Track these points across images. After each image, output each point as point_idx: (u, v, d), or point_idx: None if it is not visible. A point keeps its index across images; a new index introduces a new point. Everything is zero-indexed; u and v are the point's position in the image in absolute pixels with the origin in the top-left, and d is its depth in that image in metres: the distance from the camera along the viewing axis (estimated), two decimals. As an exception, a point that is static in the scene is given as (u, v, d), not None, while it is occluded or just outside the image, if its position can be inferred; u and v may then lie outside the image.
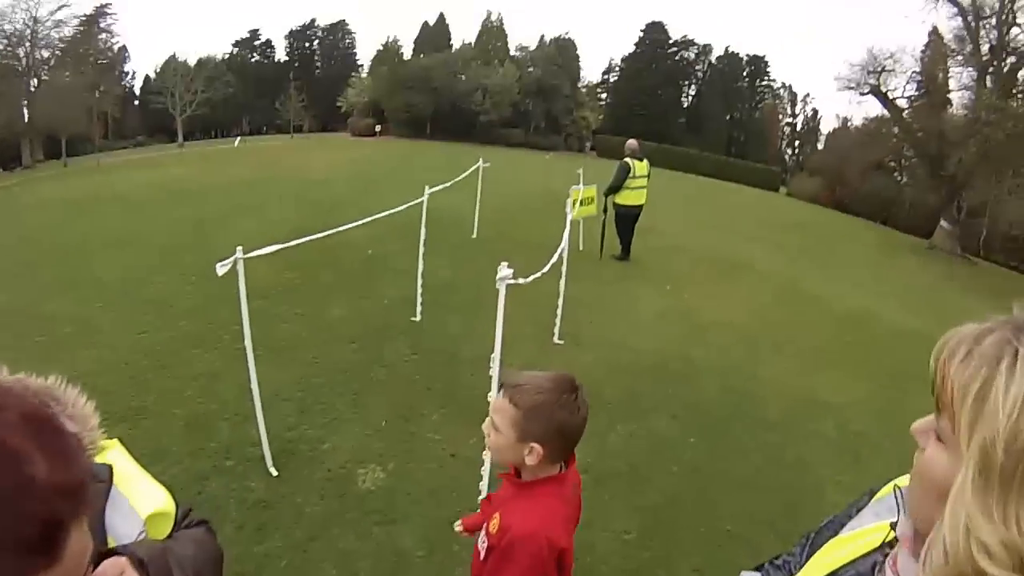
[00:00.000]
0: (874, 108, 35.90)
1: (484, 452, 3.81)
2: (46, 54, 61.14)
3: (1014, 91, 27.90)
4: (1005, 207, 31.26)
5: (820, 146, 75.36)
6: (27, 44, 58.31)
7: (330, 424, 5.28)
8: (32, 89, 58.44)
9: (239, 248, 3.98)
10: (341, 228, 5.90)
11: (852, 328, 10.48)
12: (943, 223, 29.97)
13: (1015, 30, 27.38)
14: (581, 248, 12.24)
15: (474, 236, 12.57)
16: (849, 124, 52.41)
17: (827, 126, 76.36)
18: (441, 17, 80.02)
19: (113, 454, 1.30)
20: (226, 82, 68.74)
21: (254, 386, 4.50)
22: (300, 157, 34.79)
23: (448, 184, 9.62)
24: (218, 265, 3.87)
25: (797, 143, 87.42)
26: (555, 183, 23.65)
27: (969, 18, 28.46)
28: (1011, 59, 27.77)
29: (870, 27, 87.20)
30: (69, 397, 1.26)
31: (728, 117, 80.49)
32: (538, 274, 4.52)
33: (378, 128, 63.52)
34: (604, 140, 46.65)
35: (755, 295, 11.38)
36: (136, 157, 48.04)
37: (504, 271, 3.35)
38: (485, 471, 3.84)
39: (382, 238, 10.71)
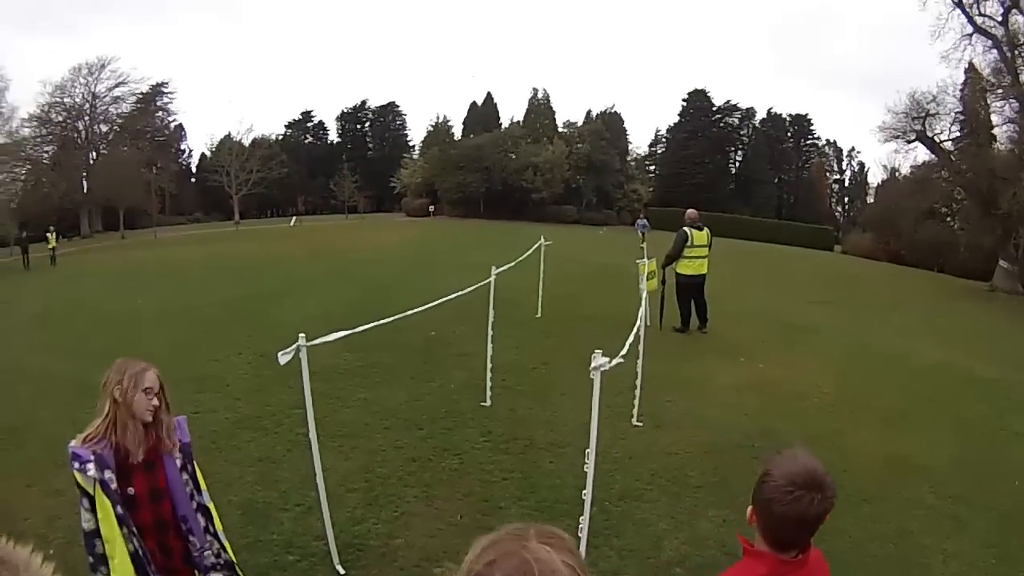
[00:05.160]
0: (920, 155, 35.20)
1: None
2: (104, 128, 65.44)
3: None
4: (1064, 238, 30.29)
5: (870, 199, 74.48)
6: (86, 118, 62.03)
7: (400, 518, 5.00)
8: (91, 162, 61.87)
9: (302, 336, 3.83)
10: (408, 312, 5.75)
11: (928, 384, 10.02)
12: (1002, 263, 29.39)
13: None
14: (648, 324, 11.95)
15: (538, 316, 12.37)
16: (897, 174, 51.58)
17: (875, 178, 75.49)
18: (489, 96, 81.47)
19: None
20: (280, 162, 70.54)
21: (319, 476, 4.30)
22: (355, 237, 35.44)
23: (513, 264, 9.50)
24: (280, 354, 3.73)
25: (847, 199, 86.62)
26: (611, 258, 23.57)
27: (1005, 48, 28.15)
28: None
29: (908, 73, 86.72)
30: (20, 560, 1.04)
31: (776, 179, 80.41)
32: (621, 357, 4.22)
33: (431, 208, 64.61)
34: (655, 212, 46.52)
35: (827, 359, 10.95)
36: (192, 233, 49.85)
37: (599, 359, 3.10)
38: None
39: (443, 319, 10.51)
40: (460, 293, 6.93)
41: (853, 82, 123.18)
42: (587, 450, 3.28)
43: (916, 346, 12.95)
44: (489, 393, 7.53)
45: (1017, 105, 28.59)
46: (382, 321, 5.09)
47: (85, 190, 60.18)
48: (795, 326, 13.58)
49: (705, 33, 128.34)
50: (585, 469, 3.29)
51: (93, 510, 2.56)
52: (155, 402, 2.79)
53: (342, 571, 4.27)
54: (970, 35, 29.15)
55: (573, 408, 7.48)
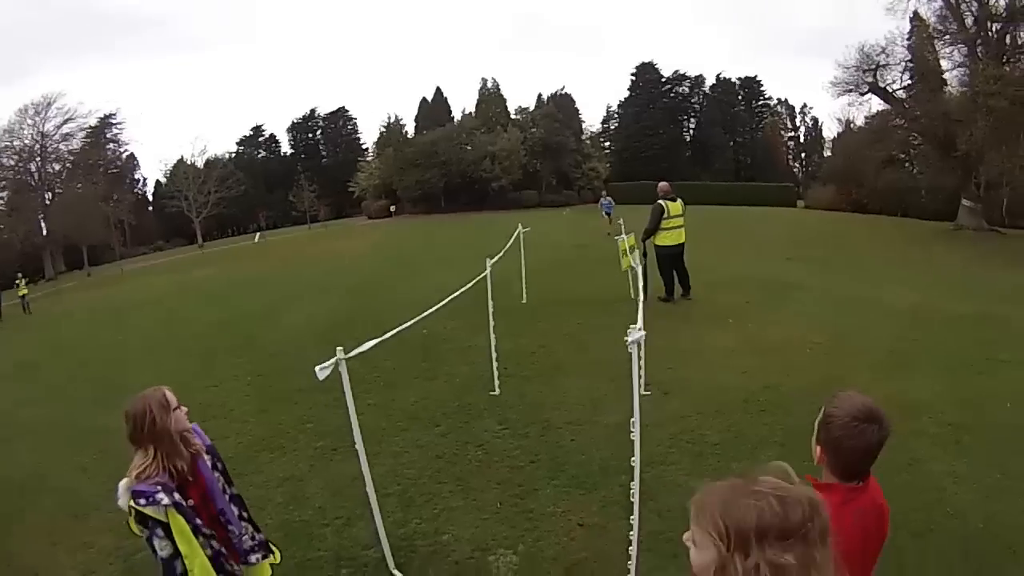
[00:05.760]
0: (875, 105, 35.76)
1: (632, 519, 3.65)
2: (57, 167, 63.79)
3: (1006, 58, 28.04)
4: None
5: (827, 153, 75.26)
6: (38, 159, 60.70)
7: (442, 514, 5.10)
8: (47, 202, 60.66)
9: (339, 349, 3.92)
10: (425, 314, 5.82)
11: (912, 325, 10.40)
12: (964, 201, 30.20)
13: None
14: (633, 296, 12.16)
15: (524, 301, 12.53)
16: (852, 126, 52.19)
17: (830, 132, 76.26)
18: (439, 91, 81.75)
19: None
20: (237, 180, 69.97)
21: (368, 484, 4.33)
22: (323, 246, 35.28)
23: (501, 253, 9.61)
24: (318, 369, 3.81)
25: (803, 155, 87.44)
26: (581, 238, 23.77)
27: None
28: (996, 25, 28.06)
29: (852, 28, 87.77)
30: None
31: (731, 143, 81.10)
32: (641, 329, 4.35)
33: (393, 208, 64.31)
34: (617, 188, 46.65)
35: (812, 313, 11.29)
36: (158, 262, 49.12)
37: (636, 333, 3.25)
38: (634, 536, 3.68)
39: (433, 315, 10.64)
40: (464, 288, 7.04)
41: (799, 40, 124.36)
42: (632, 419, 3.43)
43: (894, 291, 13.35)
44: (497, 382, 7.66)
45: (965, 49, 29.35)
46: (406, 324, 5.16)
47: (44, 232, 59.06)
48: (775, 285, 13.90)
49: (648, 5, 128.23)
50: (632, 438, 3.44)
51: (169, 536, 2.71)
52: (185, 409, 3.00)
53: (399, 575, 4.35)
54: (914, -15, 29.73)
55: (579, 387, 7.69)
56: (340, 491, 5.52)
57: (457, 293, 6.85)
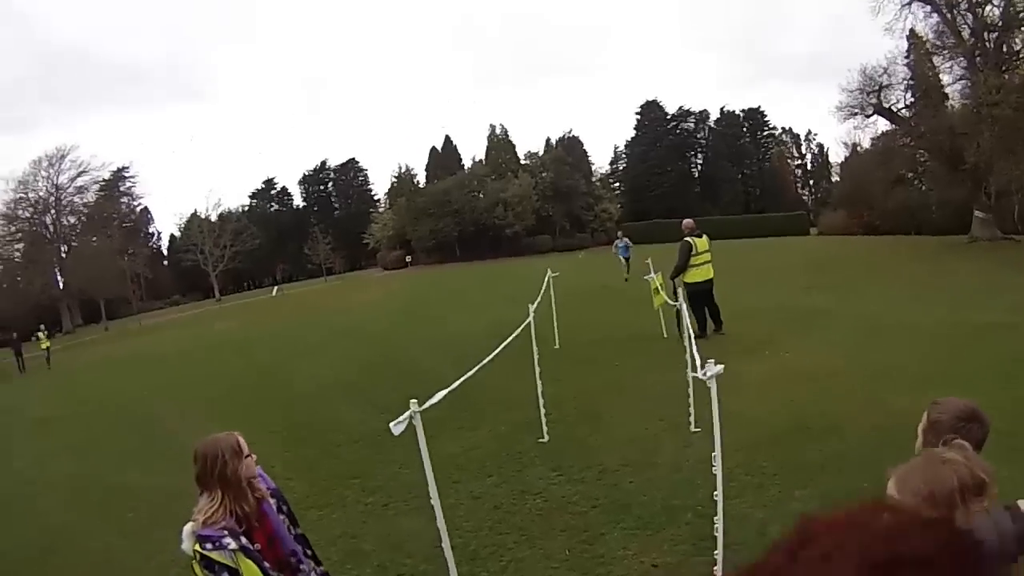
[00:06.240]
0: (880, 126, 35.92)
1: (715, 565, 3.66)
2: (72, 220, 64.35)
3: (1005, 66, 28.21)
4: (1032, 177, 31.20)
5: (835, 178, 75.43)
6: (52, 211, 61.38)
7: (510, 566, 5.05)
8: (63, 255, 61.30)
9: (413, 402, 3.93)
10: (477, 368, 5.65)
11: (945, 341, 10.47)
12: (976, 213, 30.17)
13: (988, 7, 28.15)
14: (665, 336, 12.22)
15: (556, 346, 12.52)
16: (859, 148, 52.40)
17: (837, 156, 76.52)
18: (448, 140, 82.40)
19: None
20: (251, 234, 70.62)
21: (445, 544, 4.19)
22: (340, 297, 35.46)
23: (539, 298, 9.67)
24: (392, 424, 3.83)
25: (812, 181, 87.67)
26: (601, 279, 23.87)
27: (944, 11, 29.07)
28: (993, 35, 28.29)
29: (851, 51, 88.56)
30: None
31: (739, 175, 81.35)
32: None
33: (408, 258, 64.52)
34: (630, 228, 46.55)
35: (843, 338, 11.34)
36: (177, 316, 49.31)
37: (713, 368, 3.32)
38: (718, 571, 3.68)
39: (454, 363, 10.63)
40: (512, 336, 7.09)
41: (799, 68, 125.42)
42: (713, 454, 3.49)
43: (918, 309, 13.44)
44: (545, 428, 7.65)
45: (965, 62, 29.53)
46: (469, 373, 5.18)
47: (61, 285, 59.70)
48: (799, 313, 13.96)
49: (650, 45, 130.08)
50: (714, 472, 3.49)
51: None
52: (255, 457, 3.03)
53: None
54: (908, 3, 30.08)
55: (627, 428, 7.69)
56: (399, 547, 5.49)
57: (509, 339, 6.93)
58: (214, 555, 2.69)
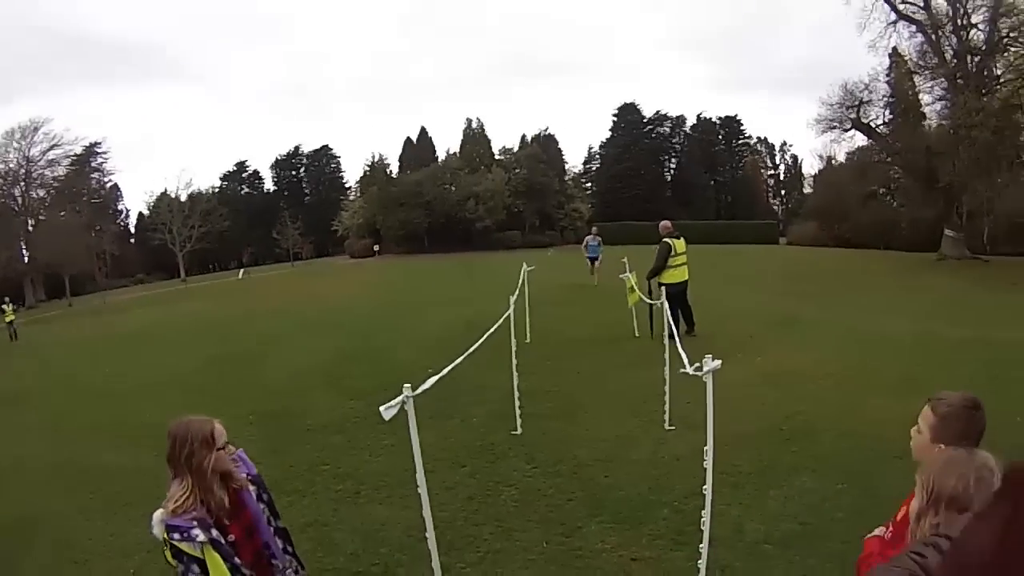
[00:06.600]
0: (856, 141, 36.48)
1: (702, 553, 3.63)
2: (41, 193, 62.54)
3: (985, 90, 28.72)
4: (1004, 201, 32.56)
5: (807, 190, 76.36)
6: (22, 183, 59.66)
7: (487, 557, 4.96)
8: (30, 228, 59.73)
9: (407, 387, 3.78)
10: (461, 359, 5.49)
11: (917, 351, 10.71)
12: (948, 232, 30.76)
13: (973, 31, 28.70)
14: (637, 335, 12.24)
15: (527, 340, 12.43)
16: (834, 161, 53.10)
17: (810, 168, 77.51)
18: (423, 131, 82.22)
19: None
20: (220, 215, 69.66)
21: (430, 533, 3.94)
22: (307, 284, 35.11)
23: (516, 291, 9.64)
24: (383, 408, 3.68)
25: (783, 192, 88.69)
26: (571, 278, 23.87)
27: (929, 31, 29.65)
28: (976, 59, 28.86)
29: (832, 65, 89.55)
30: None
31: (712, 181, 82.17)
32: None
33: (376, 247, 63.87)
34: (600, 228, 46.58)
35: (819, 344, 11.49)
36: (142, 294, 48.39)
37: (712, 363, 3.30)
38: (702, 564, 3.66)
39: (436, 355, 10.54)
40: (492, 330, 7.02)
41: (778, 79, 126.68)
42: (705, 448, 3.46)
43: (891, 320, 13.65)
44: (519, 421, 7.60)
45: (945, 83, 30.11)
46: (456, 362, 5.03)
47: (26, 259, 58.39)
48: (775, 319, 14.11)
49: (630, 46, 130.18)
50: (704, 466, 3.46)
51: (205, 573, 2.62)
52: (231, 450, 2.93)
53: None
54: (894, 22, 30.66)
55: (602, 424, 7.69)
56: (371, 536, 5.37)
57: (491, 331, 6.85)
58: (183, 546, 2.60)
